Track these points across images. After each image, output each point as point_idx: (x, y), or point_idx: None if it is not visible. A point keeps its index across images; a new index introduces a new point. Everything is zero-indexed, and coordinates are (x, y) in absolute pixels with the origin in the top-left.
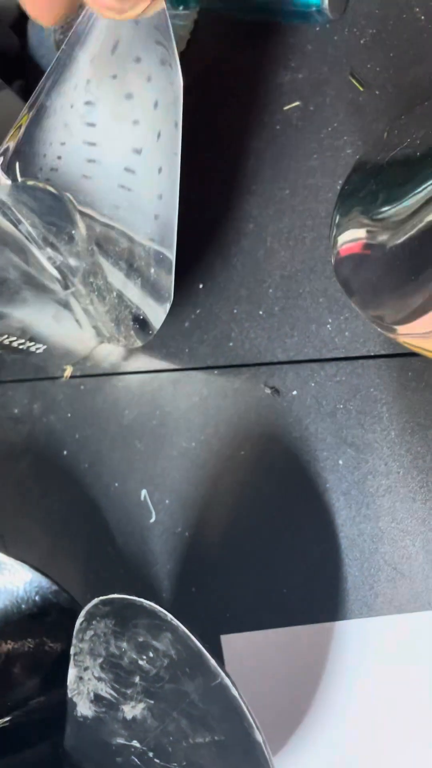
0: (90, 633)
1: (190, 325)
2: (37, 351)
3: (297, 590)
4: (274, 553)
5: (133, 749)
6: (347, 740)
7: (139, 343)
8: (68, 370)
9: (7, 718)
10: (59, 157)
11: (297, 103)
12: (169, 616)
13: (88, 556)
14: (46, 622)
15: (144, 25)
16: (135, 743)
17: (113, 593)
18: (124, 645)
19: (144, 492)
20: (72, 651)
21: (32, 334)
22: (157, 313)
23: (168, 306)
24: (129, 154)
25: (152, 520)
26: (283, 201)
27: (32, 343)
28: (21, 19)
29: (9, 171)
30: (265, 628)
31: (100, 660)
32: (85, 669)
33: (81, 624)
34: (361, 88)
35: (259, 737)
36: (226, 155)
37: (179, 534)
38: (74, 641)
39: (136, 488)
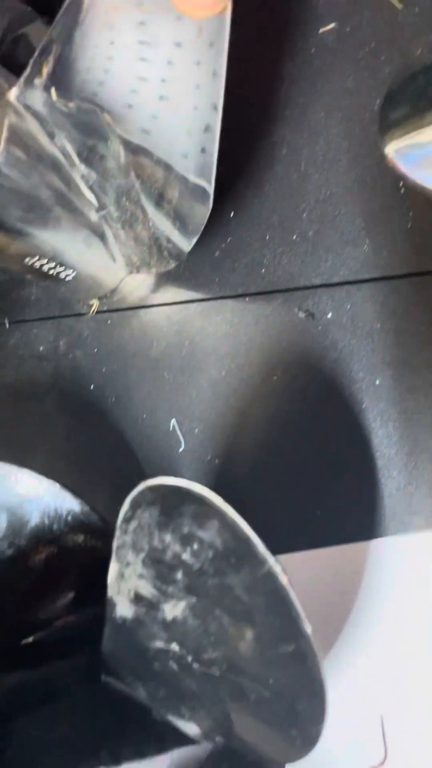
0: (134, 524)
1: (221, 254)
2: (67, 278)
3: (332, 511)
4: (308, 476)
5: (171, 653)
6: (384, 657)
7: (171, 265)
8: (95, 305)
9: (40, 633)
10: (101, 84)
11: (333, 25)
12: (218, 500)
13: (116, 488)
14: (77, 542)
15: None
16: (174, 646)
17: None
18: (168, 537)
19: (173, 422)
20: (115, 544)
21: (63, 259)
22: (190, 233)
23: (207, 214)
24: (162, 85)
25: (182, 449)
26: (318, 124)
27: (62, 269)
28: None
29: (49, 82)
30: (301, 549)
31: (142, 555)
32: (127, 565)
33: (125, 513)
34: (399, 6)
35: (306, 628)
36: (258, 82)
37: (209, 462)
38: (117, 533)
39: (165, 419)
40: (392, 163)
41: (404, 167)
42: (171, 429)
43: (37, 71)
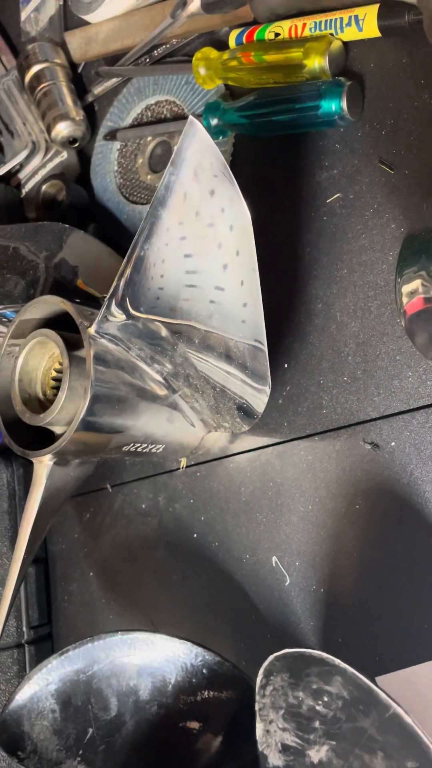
0: (270, 688)
1: (284, 402)
2: (157, 451)
3: None
4: (407, 591)
5: None
6: None
7: (245, 428)
8: (183, 462)
9: None
10: (161, 288)
11: (338, 195)
12: (337, 661)
13: (235, 626)
14: (215, 691)
15: (205, 180)
16: None
17: (270, 655)
18: (301, 694)
19: (274, 558)
20: (256, 707)
21: (152, 439)
22: (258, 399)
23: (268, 390)
24: (217, 275)
25: (287, 583)
26: (344, 279)
27: (153, 445)
28: (83, 173)
29: (122, 307)
30: (416, 663)
31: (281, 711)
32: (270, 722)
33: (261, 681)
34: (391, 171)
35: None
36: (285, 250)
37: (315, 591)
38: (257, 698)
39: (266, 556)
40: (407, 324)
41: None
42: (273, 565)
43: (108, 308)
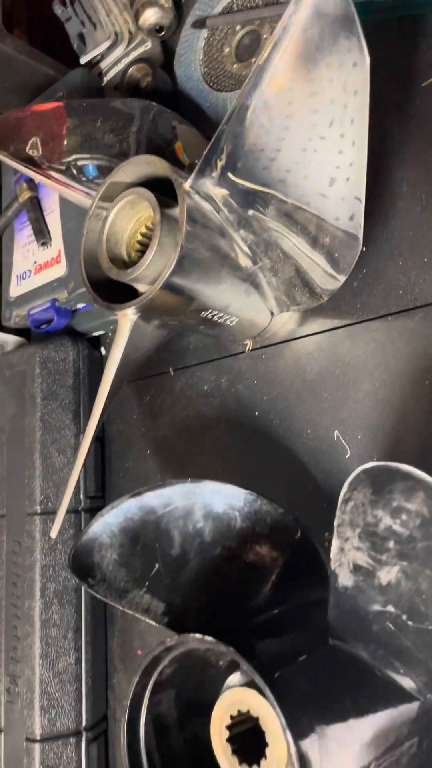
0: (350, 504)
1: (359, 284)
2: (231, 323)
3: None
4: None
5: (388, 615)
6: None
7: (324, 299)
8: (249, 344)
9: (270, 612)
10: (272, 159)
11: None
12: (423, 475)
13: (292, 496)
14: (277, 539)
15: (330, 23)
16: (390, 608)
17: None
18: (380, 512)
19: (336, 432)
20: (336, 523)
21: (228, 309)
22: (342, 271)
23: (357, 254)
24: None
25: (348, 455)
26: None
27: (228, 317)
28: (167, 64)
29: (221, 168)
30: None
31: (358, 530)
32: (346, 540)
33: (344, 495)
34: None
35: None
36: (373, 133)
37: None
38: (338, 513)
39: (328, 431)
40: None
41: None
42: (335, 439)
43: (206, 165)
